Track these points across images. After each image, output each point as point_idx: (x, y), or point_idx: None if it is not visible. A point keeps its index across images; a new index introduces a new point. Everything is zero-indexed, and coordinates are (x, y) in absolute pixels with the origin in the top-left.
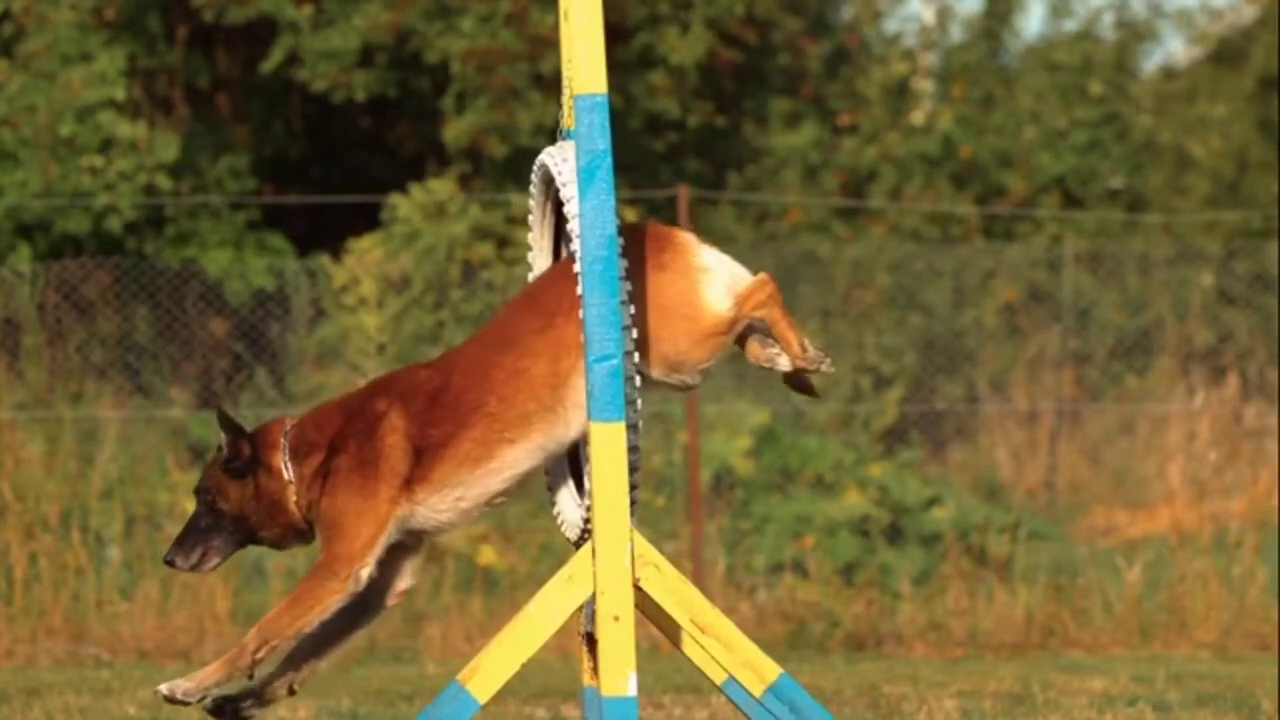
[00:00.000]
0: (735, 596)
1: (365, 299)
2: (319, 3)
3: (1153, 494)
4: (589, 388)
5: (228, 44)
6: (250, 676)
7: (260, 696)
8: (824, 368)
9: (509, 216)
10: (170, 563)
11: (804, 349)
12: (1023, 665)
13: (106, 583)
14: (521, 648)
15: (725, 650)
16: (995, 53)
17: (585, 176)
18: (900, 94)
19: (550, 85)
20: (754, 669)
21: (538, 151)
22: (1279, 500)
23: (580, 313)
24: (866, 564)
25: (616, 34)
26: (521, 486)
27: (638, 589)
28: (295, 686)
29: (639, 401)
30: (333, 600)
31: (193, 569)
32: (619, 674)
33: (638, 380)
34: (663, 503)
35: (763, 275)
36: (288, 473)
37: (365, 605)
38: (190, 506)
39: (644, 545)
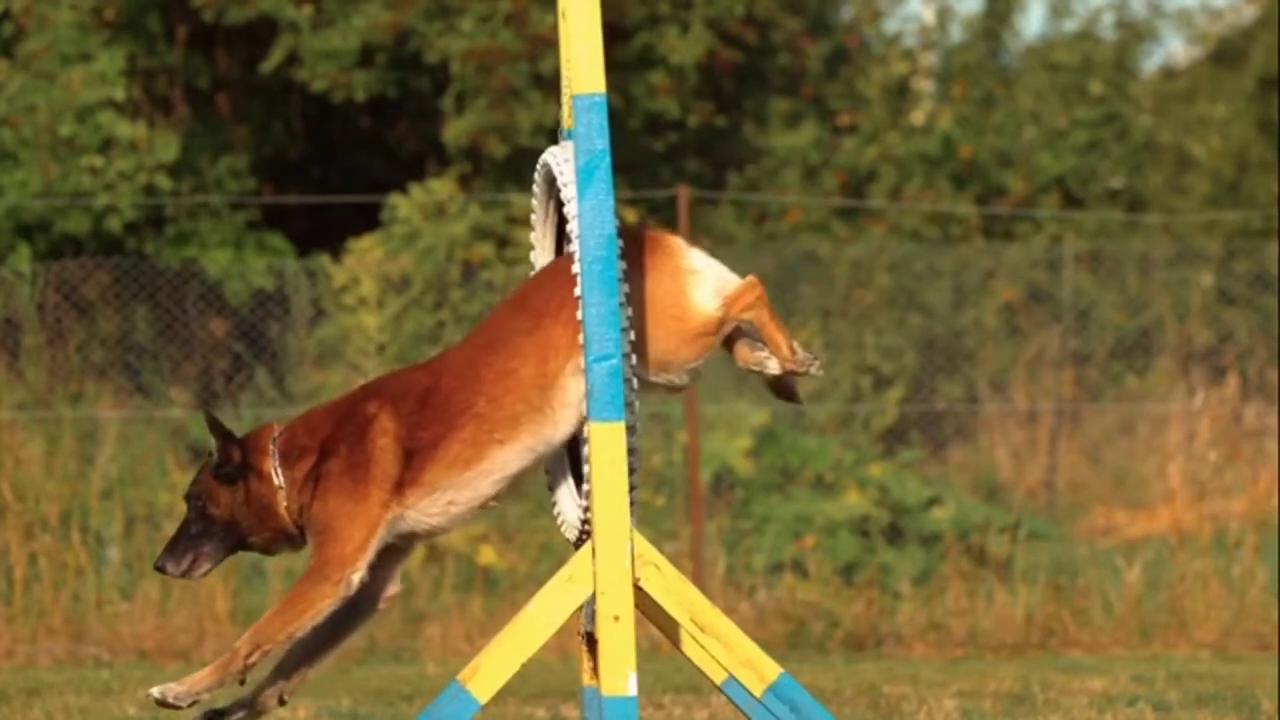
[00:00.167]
0: (735, 596)
1: (365, 299)
2: (319, 3)
3: (1153, 494)
4: (589, 388)
5: (228, 44)
6: (242, 681)
7: (251, 707)
8: (813, 370)
9: (509, 216)
10: (161, 569)
11: (793, 351)
12: (1023, 665)
13: (106, 583)
14: (522, 648)
15: (725, 650)
16: (995, 53)
17: (584, 176)
18: (900, 94)
19: (550, 85)
20: (754, 668)
21: (538, 151)
22: (1279, 500)
23: (569, 314)
24: (866, 564)
25: (616, 34)
26: (513, 489)
27: (638, 589)
28: (285, 696)
29: (636, 403)
30: (325, 604)
31: (183, 575)
32: (619, 674)
33: (634, 382)
34: (663, 503)
35: (751, 278)
36: (278, 477)
37: (356, 609)
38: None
39: (644, 545)
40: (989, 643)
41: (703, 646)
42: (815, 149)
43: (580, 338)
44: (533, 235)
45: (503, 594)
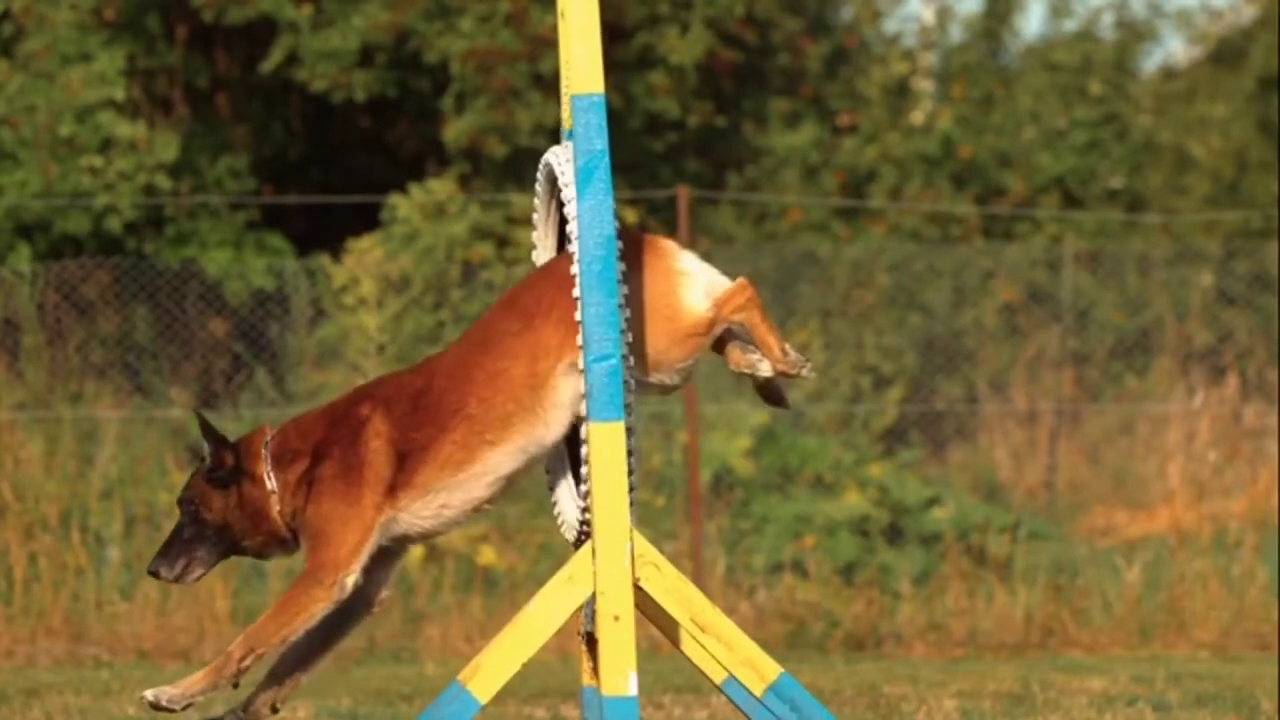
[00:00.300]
0: (735, 596)
1: (365, 299)
2: (319, 3)
3: (1152, 494)
4: (588, 388)
5: (227, 44)
6: (236, 685)
7: (245, 714)
8: (804, 372)
9: (509, 216)
10: (154, 574)
11: (784, 353)
12: (1022, 665)
13: (106, 583)
14: (522, 648)
15: (726, 649)
16: (995, 53)
17: (583, 176)
18: (900, 94)
19: (550, 85)
20: (755, 668)
21: (538, 151)
22: (1279, 500)
23: (559, 314)
24: (866, 564)
25: (616, 34)
26: (506, 491)
27: (638, 589)
28: (278, 705)
29: (634, 403)
30: (318, 608)
31: (176, 580)
32: (619, 674)
33: (632, 384)
34: (663, 503)
35: (741, 280)
36: (270, 481)
37: (348, 612)
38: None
39: (644, 545)
40: (989, 643)
41: (703, 646)
42: (815, 149)
43: (571, 338)
44: (535, 235)
45: (503, 594)
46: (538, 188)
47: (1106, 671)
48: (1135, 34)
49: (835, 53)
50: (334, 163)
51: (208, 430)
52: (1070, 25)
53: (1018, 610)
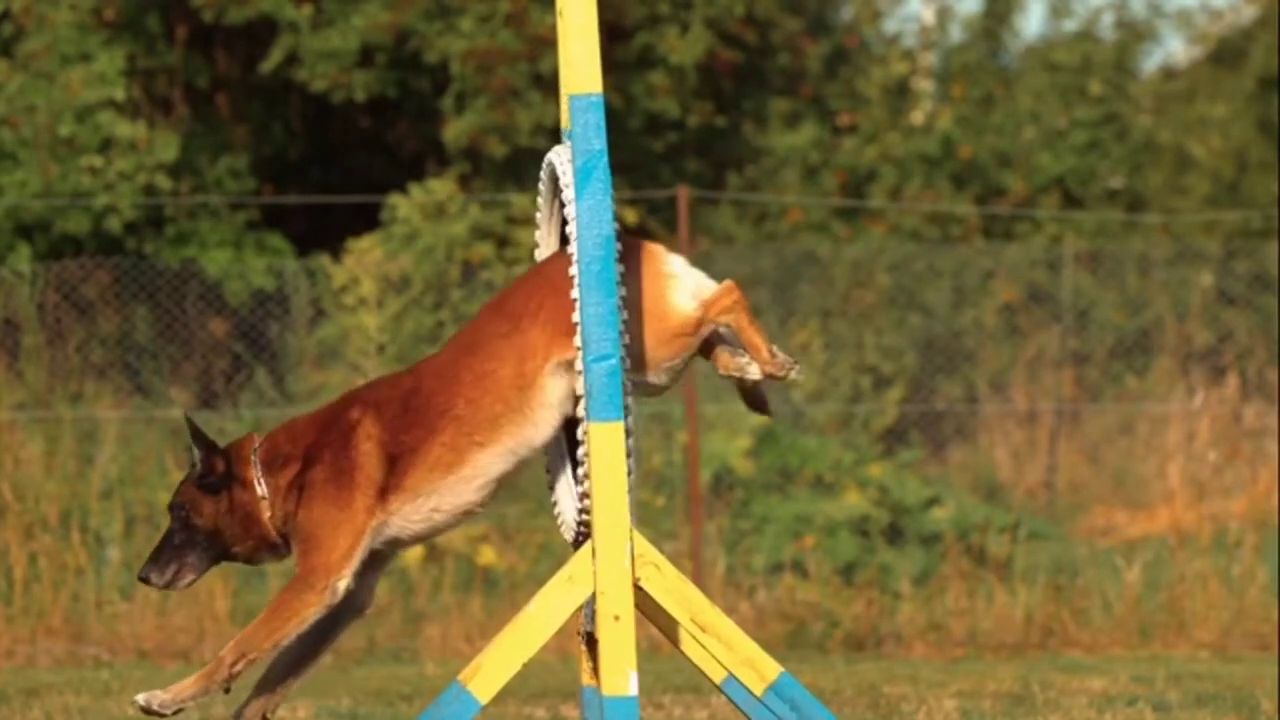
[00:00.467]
0: (735, 596)
1: (365, 299)
2: (319, 3)
3: (1152, 494)
4: (587, 388)
5: (227, 44)
6: (227, 690)
7: None
8: (793, 374)
9: (509, 216)
10: (145, 580)
11: (772, 354)
12: (1022, 665)
13: (106, 583)
14: (522, 648)
15: (726, 649)
16: (995, 53)
17: (581, 176)
18: (900, 94)
19: (550, 85)
20: (755, 668)
21: (538, 151)
22: (1279, 500)
23: (546, 315)
24: (866, 564)
25: (616, 34)
26: (496, 495)
27: (638, 589)
28: (269, 715)
29: (631, 404)
30: (310, 613)
31: (167, 586)
32: (619, 674)
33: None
34: (663, 503)
35: (728, 282)
36: (261, 487)
37: (336, 618)
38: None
39: (644, 545)
40: (989, 643)
41: (703, 646)
42: (815, 149)
43: (558, 338)
44: (537, 234)
45: (503, 594)
46: (541, 187)
47: (1106, 671)
48: (1135, 34)
49: (835, 53)
50: (334, 163)
51: (198, 436)
52: (1070, 25)
53: (1018, 610)
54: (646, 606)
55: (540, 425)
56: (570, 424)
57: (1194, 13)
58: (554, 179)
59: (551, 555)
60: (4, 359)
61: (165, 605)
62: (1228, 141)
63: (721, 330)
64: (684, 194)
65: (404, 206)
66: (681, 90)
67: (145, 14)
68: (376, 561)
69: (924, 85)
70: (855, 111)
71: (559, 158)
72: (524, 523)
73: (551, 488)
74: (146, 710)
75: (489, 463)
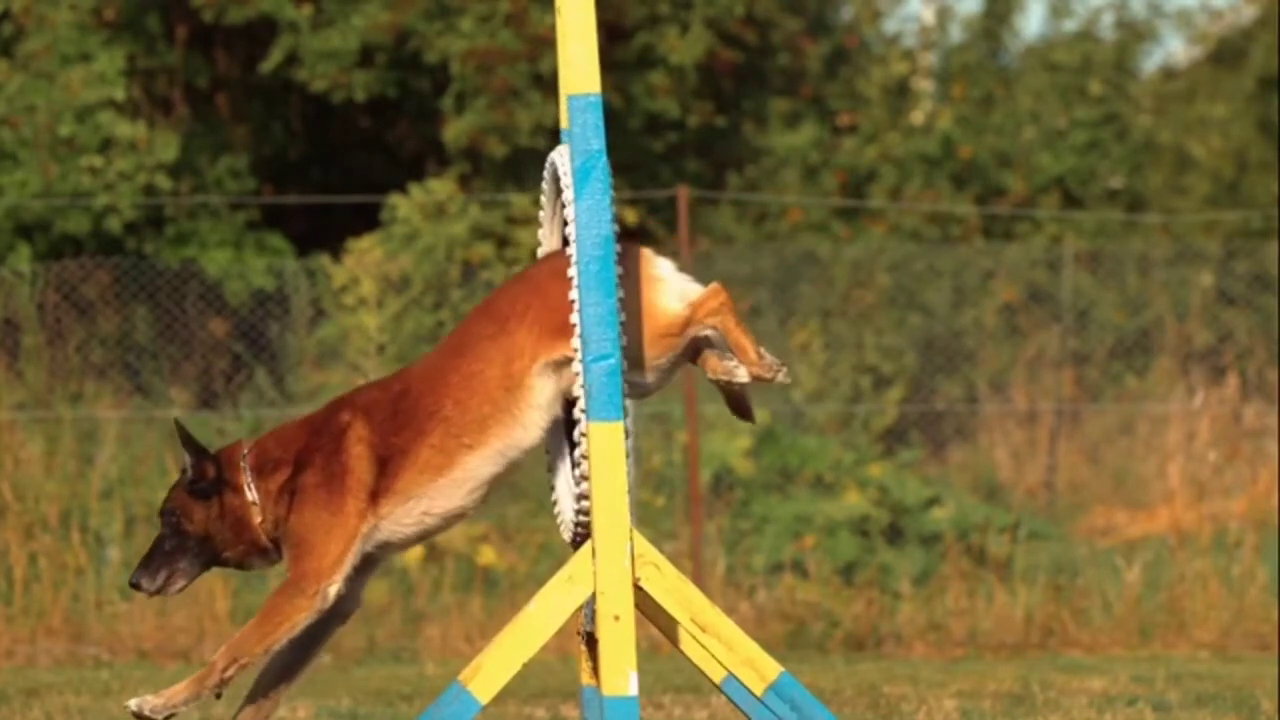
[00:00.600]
0: (735, 596)
1: (365, 299)
2: (319, 3)
3: (1152, 494)
4: (587, 387)
5: (227, 44)
6: (219, 695)
7: None
8: (780, 377)
9: (509, 216)
10: (135, 586)
11: (760, 356)
12: (1022, 665)
13: (106, 583)
14: (522, 648)
15: (726, 649)
16: (995, 53)
17: (580, 177)
18: (900, 94)
19: (550, 85)
20: (755, 668)
21: (537, 151)
22: (1279, 500)
23: (534, 315)
24: (866, 564)
25: (616, 34)
26: (487, 499)
27: (638, 589)
28: None
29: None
30: (301, 618)
31: (158, 592)
32: (619, 673)
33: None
34: (662, 503)
35: (714, 285)
36: (251, 492)
37: (324, 624)
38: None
39: (644, 545)
40: (989, 643)
41: (703, 646)
42: (815, 149)
43: (545, 339)
44: (540, 232)
45: (503, 594)
46: (544, 187)
47: (1106, 671)
48: (1135, 34)
49: (835, 53)
50: (334, 163)
51: (188, 441)
52: (1070, 25)
53: (1018, 610)
54: (646, 606)
55: (529, 427)
56: (569, 423)
57: (1194, 13)
58: (556, 180)
59: (551, 555)
60: (4, 359)
61: (165, 605)
62: (1228, 141)
63: (711, 335)
64: (684, 194)
65: (404, 206)
66: (681, 90)
67: (145, 14)
68: (366, 565)
69: (924, 85)
70: (855, 111)
71: (562, 158)
72: (524, 523)
73: (553, 487)
74: (139, 715)
75: (478, 465)
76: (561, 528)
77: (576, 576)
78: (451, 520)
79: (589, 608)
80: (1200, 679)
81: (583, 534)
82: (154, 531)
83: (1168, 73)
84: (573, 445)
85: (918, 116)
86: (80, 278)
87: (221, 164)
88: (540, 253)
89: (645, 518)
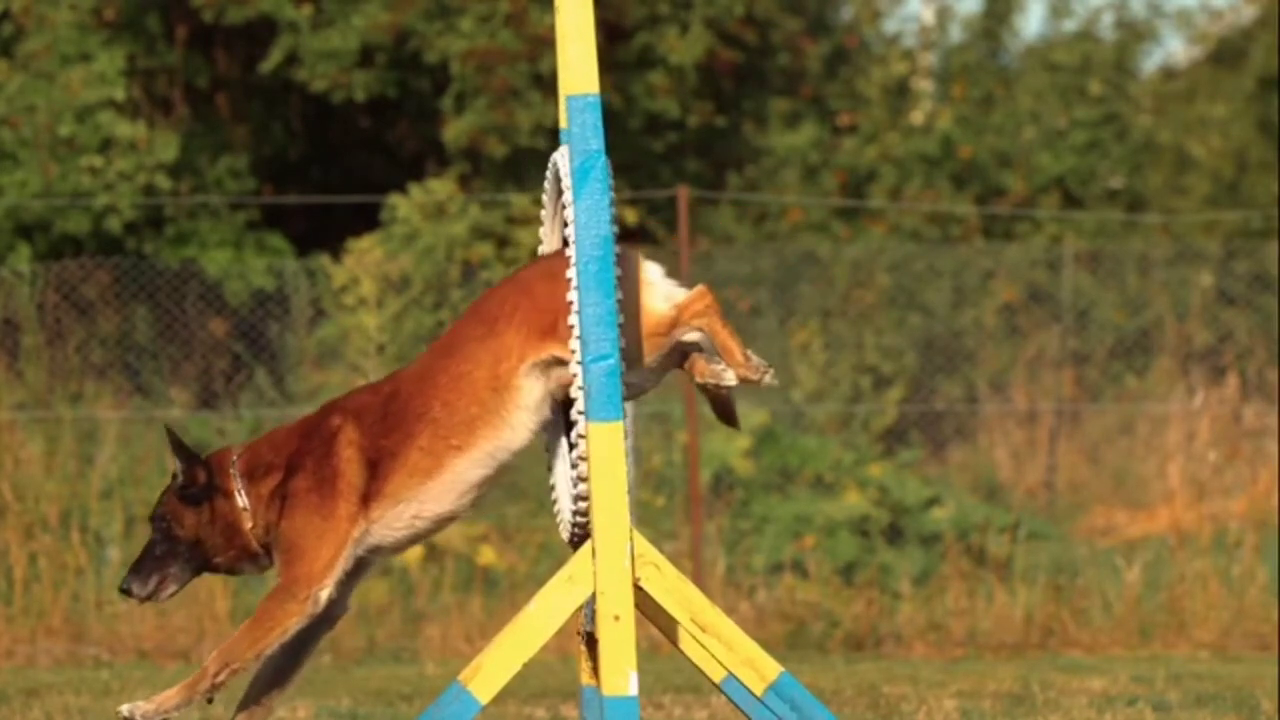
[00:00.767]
0: (735, 596)
1: (365, 299)
2: (318, 3)
3: (1152, 494)
4: (586, 388)
5: (227, 44)
6: (210, 701)
7: None
8: (767, 379)
9: (508, 216)
10: (126, 591)
11: (746, 357)
12: (1022, 665)
13: (106, 583)
14: (522, 648)
15: (726, 649)
16: (995, 53)
17: (579, 177)
18: (900, 94)
19: (550, 85)
20: (755, 668)
21: (538, 151)
22: (1279, 500)
23: (522, 317)
24: (866, 564)
25: (616, 34)
26: (477, 502)
27: (638, 589)
28: None
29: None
30: (292, 623)
31: (149, 598)
32: (619, 673)
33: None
34: (662, 503)
35: (700, 287)
36: (242, 498)
37: (314, 628)
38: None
39: (644, 545)
40: (989, 643)
41: (703, 646)
42: (815, 149)
43: (533, 339)
44: (541, 230)
45: (503, 594)
46: (546, 186)
47: (1106, 671)
48: (1135, 34)
49: (835, 53)
50: (334, 163)
51: (178, 447)
52: (1070, 25)
53: (1018, 610)
54: (646, 606)
55: (517, 428)
56: (567, 423)
57: (1194, 13)
58: (558, 180)
59: (551, 555)
60: (4, 359)
61: (165, 606)
62: (1228, 141)
63: (700, 340)
64: (684, 194)
65: (404, 206)
66: (681, 90)
67: (145, 14)
68: (357, 569)
69: (924, 85)
70: (855, 111)
71: (564, 159)
72: (524, 523)
73: (552, 486)
74: None
75: (466, 467)
76: (560, 527)
77: (576, 576)
78: (442, 523)
79: (589, 608)
80: (1200, 679)
81: (580, 534)
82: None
83: (1168, 73)
84: (570, 446)
85: (918, 116)
86: (80, 278)
87: (221, 164)
88: (541, 250)
89: (645, 518)
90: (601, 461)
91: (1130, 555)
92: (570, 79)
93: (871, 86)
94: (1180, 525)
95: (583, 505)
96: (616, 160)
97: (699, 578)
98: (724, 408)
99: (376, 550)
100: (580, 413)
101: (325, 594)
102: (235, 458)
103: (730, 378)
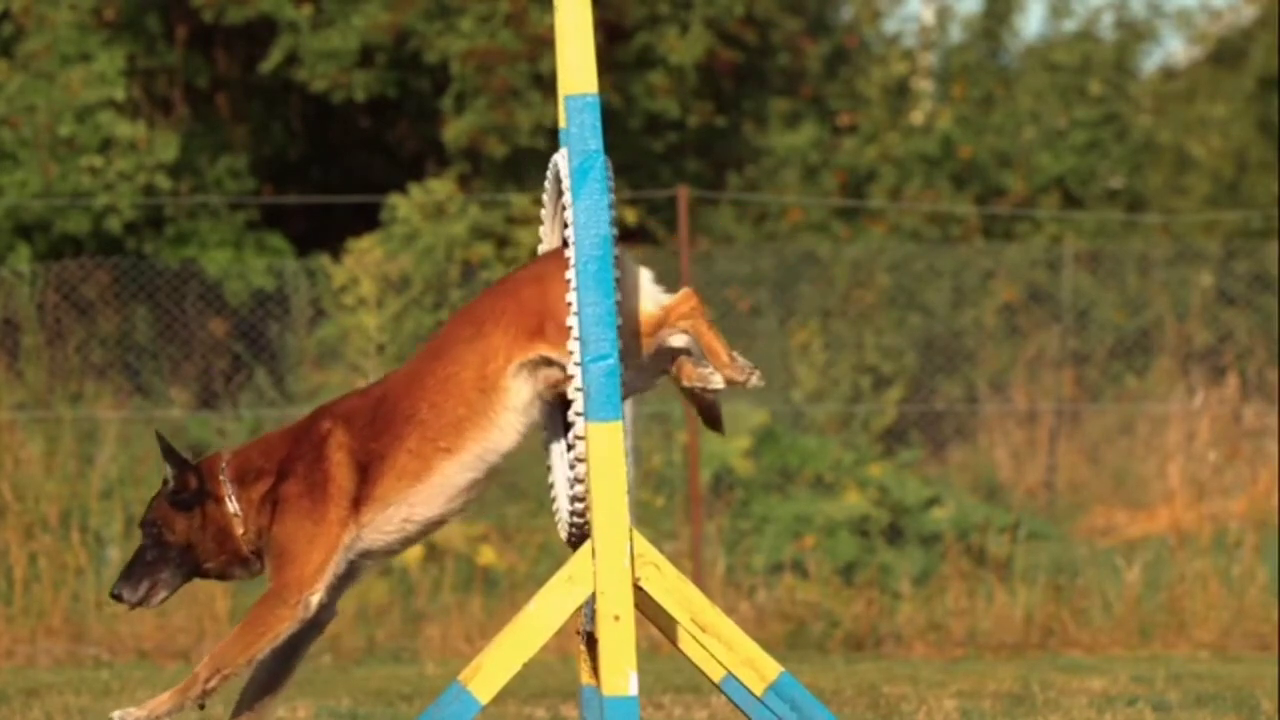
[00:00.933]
0: (735, 596)
1: (365, 299)
2: (318, 3)
3: (1152, 494)
4: (585, 388)
5: (227, 44)
6: (202, 706)
7: None
8: (753, 380)
9: (508, 216)
10: (117, 597)
11: (732, 358)
12: (1022, 665)
13: (106, 583)
14: (522, 648)
15: (726, 649)
16: (995, 53)
17: (578, 177)
18: (900, 94)
19: (550, 85)
20: (755, 667)
21: (538, 151)
22: (1279, 500)
23: (509, 319)
24: (866, 564)
25: (616, 34)
26: (468, 505)
27: (638, 589)
28: None
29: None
30: (283, 627)
31: (140, 603)
32: (619, 673)
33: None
34: (662, 503)
35: (686, 290)
36: (233, 503)
37: (304, 633)
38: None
39: (644, 545)
40: (989, 643)
41: (703, 646)
42: (815, 149)
43: (520, 340)
44: (541, 229)
45: (502, 594)
46: (547, 186)
47: (1106, 671)
48: (1135, 34)
49: (835, 53)
50: (334, 163)
51: (169, 452)
52: (1070, 25)
53: (1018, 610)
54: (646, 606)
55: (505, 430)
56: (565, 423)
57: (1194, 13)
58: (559, 181)
59: (551, 555)
60: (4, 359)
61: (165, 606)
62: (1228, 141)
63: (689, 345)
64: (684, 194)
65: (404, 206)
66: (681, 90)
67: (145, 14)
68: (348, 574)
69: (924, 85)
70: (855, 111)
71: (564, 160)
72: (524, 523)
73: (551, 484)
74: None
75: (456, 471)
76: (559, 527)
77: (576, 576)
78: (433, 527)
79: (589, 608)
80: (1200, 679)
81: (578, 534)
82: None
83: (1168, 73)
84: (568, 446)
85: (918, 116)
86: (80, 278)
87: (221, 164)
88: (541, 250)
89: (645, 518)
90: (601, 461)
91: (1130, 555)
92: (569, 79)
93: (871, 86)
94: (1180, 525)
95: (580, 506)
96: (616, 160)
97: (699, 578)
98: (709, 412)
99: (368, 554)
100: (578, 413)
101: (316, 599)
102: (226, 463)
103: (718, 381)
